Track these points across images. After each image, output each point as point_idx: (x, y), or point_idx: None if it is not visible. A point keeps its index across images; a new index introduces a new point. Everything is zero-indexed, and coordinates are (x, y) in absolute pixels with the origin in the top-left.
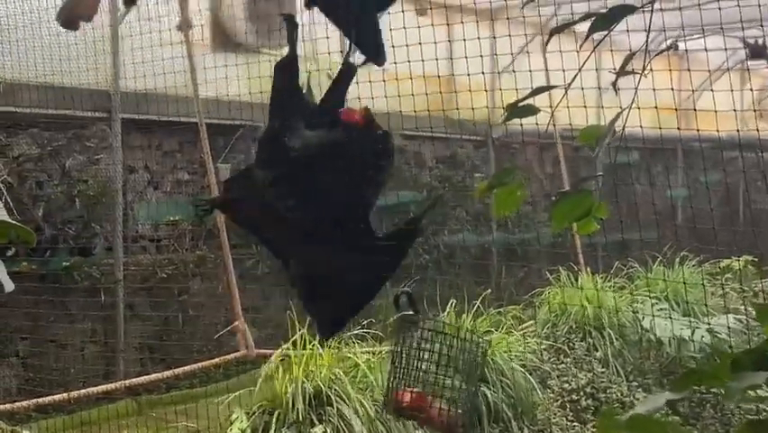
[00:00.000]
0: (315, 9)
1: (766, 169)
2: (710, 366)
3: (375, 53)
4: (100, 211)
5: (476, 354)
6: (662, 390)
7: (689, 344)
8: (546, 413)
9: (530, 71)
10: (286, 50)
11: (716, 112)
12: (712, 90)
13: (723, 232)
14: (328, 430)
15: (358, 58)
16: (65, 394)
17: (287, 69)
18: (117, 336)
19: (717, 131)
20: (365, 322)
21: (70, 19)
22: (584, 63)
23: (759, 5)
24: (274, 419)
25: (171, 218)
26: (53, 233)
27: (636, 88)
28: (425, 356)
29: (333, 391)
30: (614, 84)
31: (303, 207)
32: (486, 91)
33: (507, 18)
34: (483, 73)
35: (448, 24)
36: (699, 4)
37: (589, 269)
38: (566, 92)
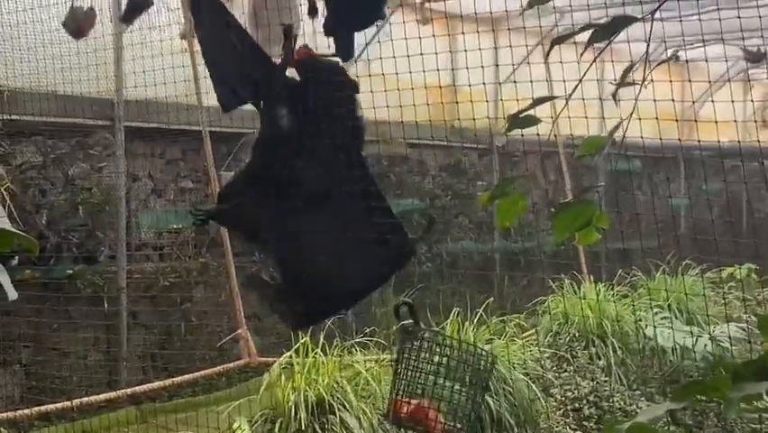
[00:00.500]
0: (319, 18)
1: None
2: (712, 377)
3: (344, 55)
4: (103, 219)
5: (479, 365)
6: (664, 398)
7: (691, 352)
8: (549, 422)
9: (531, 81)
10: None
11: (716, 122)
12: (713, 101)
13: (725, 240)
14: None
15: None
16: (67, 402)
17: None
18: (120, 345)
19: (719, 141)
20: (368, 330)
21: (77, 28)
22: (585, 73)
23: (759, 15)
24: (276, 428)
25: (174, 226)
26: (56, 241)
27: (637, 99)
28: (427, 367)
29: (335, 399)
30: (614, 94)
31: (306, 166)
32: (487, 102)
33: (509, 28)
34: (484, 83)
35: (449, 34)
36: (700, 14)
37: (591, 277)
38: (567, 102)
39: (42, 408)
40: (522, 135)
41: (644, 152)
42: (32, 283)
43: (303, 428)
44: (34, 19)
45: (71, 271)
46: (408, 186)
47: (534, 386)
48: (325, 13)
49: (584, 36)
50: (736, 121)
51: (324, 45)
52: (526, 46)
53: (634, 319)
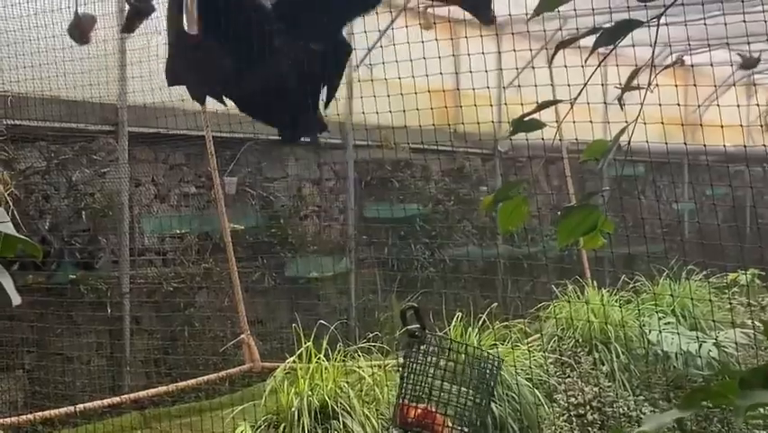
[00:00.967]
0: None
1: None
2: (718, 384)
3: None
4: (106, 224)
5: (486, 370)
6: (668, 404)
7: (696, 358)
8: (552, 427)
9: (535, 86)
10: None
11: (722, 126)
12: (718, 105)
13: (730, 246)
14: None
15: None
16: (71, 407)
17: None
18: (123, 350)
19: (724, 145)
20: (370, 335)
21: (81, 34)
22: (590, 77)
23: (765, 20)
24: None
25: (177, 231)
26: (60, 246)
27: (642, 103)
28: (433, 371)
29: (338, 404)
30: (619, 99)
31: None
32: (491, 106)
33: (512, 33)
34: (488, 87)
35: (452, 39)
36: (705, 18)
37: (595, 282)
38: (572, 106)
39: (46, 413)
40: (526, 140)
41: (649, 157)
42: (36, 288)
43: (306, 432)
44: (38, 24)
45: (74, 277)
46: (412, 191)
47: (537, 391)
48: None
49: (588, 40)
50: (741, 126)
51: None
52: (530, 50)
53: (638, 325)
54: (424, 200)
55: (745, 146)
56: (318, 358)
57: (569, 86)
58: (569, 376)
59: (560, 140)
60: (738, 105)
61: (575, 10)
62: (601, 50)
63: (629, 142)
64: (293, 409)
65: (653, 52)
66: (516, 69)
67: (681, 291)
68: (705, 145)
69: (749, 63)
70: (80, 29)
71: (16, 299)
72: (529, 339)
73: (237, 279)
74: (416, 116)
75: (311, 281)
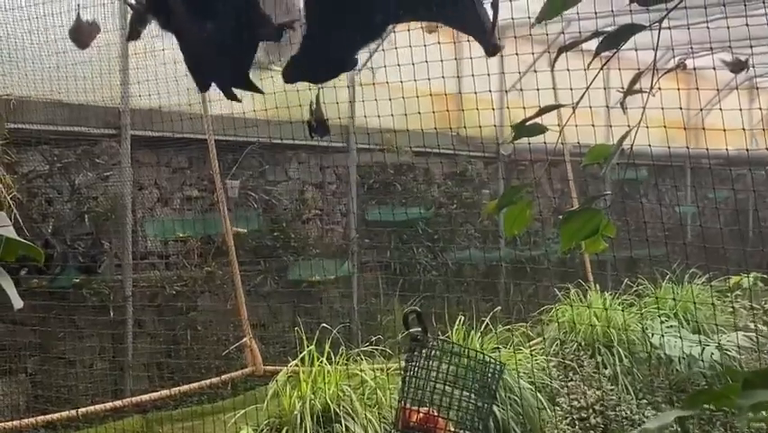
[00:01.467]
0: None
1: None
2: (721, 386)
3: None
4: (109, 228)
5: (488, 373)
6: (671, 407)
7: (698, 361)
8: (555, 431)
9: (537, 90)
10: None
11: (724, 130)
12: (720, 109)
13: (732, 249)
14: None
15: None
16: (73, 411)
17: None
18: (125, 353)
19: (726, 148)
20: (373, 339)
21: (85, 39)
22: (592, 81)
23: (767, 24)
24: None
25: (180, 235)
26: (62, 250)
27: (644, 107)
28: (435, 375)
29: (341, 408)
30: (622, 103)
31: None
32: (493, 109)
33: (515, 36)
34: (490, 91)
35: (455, 42)
36: (708, 22)
37: (598, 286)
38: (574, 111)
39: (48, 416)
40: (528, 143)
41: (652, 161)
42: (38, 292)
43: None
44: (40, 28)
45: (77, 280)
46: (414, 194)
47: (540, 395)
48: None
49: (591, 44)
50: (744, 129)
51: None
52: (533, 54)
53: (640, 328)
54: (426, 204)
55: (747, 149)
56: (320, 362)
57: (570, 89)
58: (571, 380)
59: (562, 144)
60: (741, 109)
61: (578, 13)
62: (604, 53)
63: (632, 146)
64: (295, 412)
65: (656, 56)
66: (519, 72)
67: (683, 295)
68: (707, 149)
69: (736, 67)
70: (81, 33)
71: (18, 303)
72: (532, 343)
73: (239, 282)
74: (418, 120)
75: (313, 285)
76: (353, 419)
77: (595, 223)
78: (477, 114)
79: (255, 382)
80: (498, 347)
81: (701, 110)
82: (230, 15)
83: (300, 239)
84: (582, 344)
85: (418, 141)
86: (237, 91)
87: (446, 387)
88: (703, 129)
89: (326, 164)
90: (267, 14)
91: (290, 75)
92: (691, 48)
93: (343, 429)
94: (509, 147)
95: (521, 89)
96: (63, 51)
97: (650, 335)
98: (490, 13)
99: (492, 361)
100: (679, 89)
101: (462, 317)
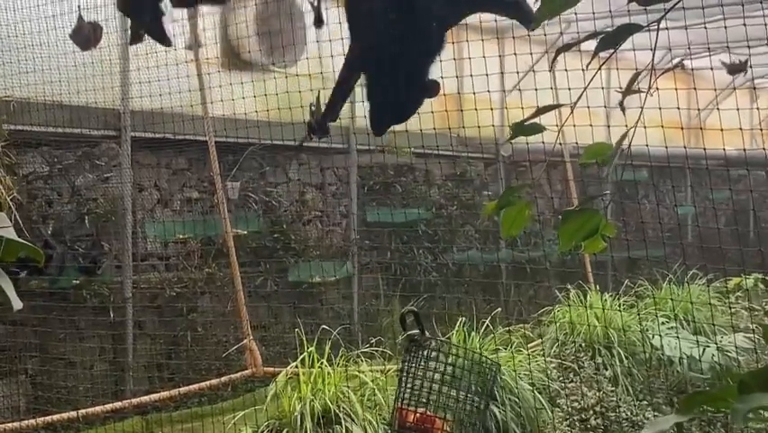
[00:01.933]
0: (325, 28)
1: None
2: (717, 388)
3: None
4: (109, 229)
5: (485, 374)
6: (671, 408)
7: (698, 362)
8: (555, 432)
9: (536, 90)
10: (295, 69)
11: (722, 130)
12: (718, 109)
13: (732, 250)
14: None
15: None
16: (73, 412)
17: None
18: (126, 354)
19: (723, 149)
20: (373, 340)
21: (87, 40)
22: (590, 82)
23: (765, 24)
24: None
25: (180, 236)
26: (63, 251)
27: (642, 107)
28: (432, 376)
29: (341, 409)
30: (620, 103)
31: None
32: (491, 110)
33: (513, 37)
34: (490, 91)
35: (454, 42)
36: (705, 23)
37: (598, 287)
38: (572, 111)
39: (48, 418)
40: (527, 144)
41: (650, 161)
42: (39, 293)
43: None
44: (40, 29)
45: (77, 282)
46: (414, 195)
47: (540, 396)
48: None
49: (591, 45)
50: (741, 129)
51: (328, 55)
52: (531, 54)
53: (640, 329)
54: (426, 205)
55: (744, 150)
56: (321, 363)
57: (569, 90)
58: (571, 381)
59: (560, 144)
60: (738, 109)
61: (576, 14)
62: (603, 53)
63: (629, 146)
64: (295, 414)
65: (653, 56)
66: (518, 73)
67: (683, 296)
68: (705, 149)
69: (734, 69)
70: (83, 35)
71: (17, 304)
72: (532, 344)
73: (240, 284)
74: (417, 120)
75: (313, 286)
76: (353, 420)
77: (594, 223)
78: (476, 114)
79: (255, 384)
80: (499, 348)
81: (699, 111)
82: None
83: (300, 240)
84: (582, 345)
85: (418, 142)
86: None
87: (443, 387)
88: (701, 129)
89: (326, 165)
90: None
91: (380, 128)
92: (689, 48)
93: (343, 431)
94: (509, 148)
95: (520, 90)
96: (64, 53)
97: (650, 336)
98: None
99: (488, 361)
100: (676, 89)
101: (463, 319)
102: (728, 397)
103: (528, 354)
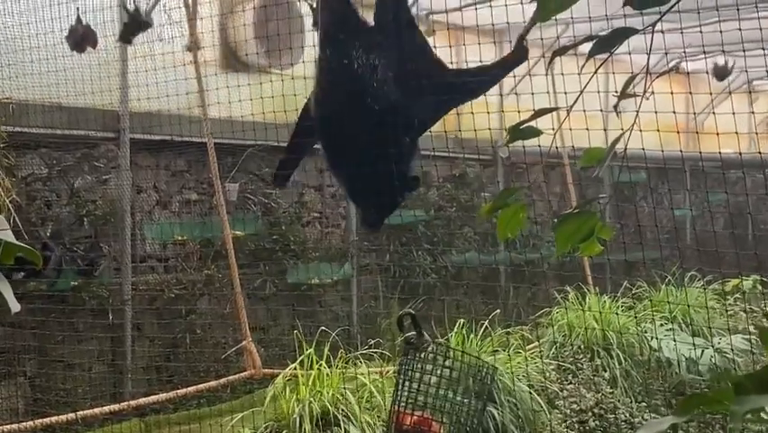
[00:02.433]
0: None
1: None
2: (715, 390)
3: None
4: (108, 231)
5: (482, 377)
6: (669, 410)
7: (696, 364)
8: None
9: (533, 93)
10: (293, 71)
11: (717, 134)
12: (714, 113)
13: (730, 252)
14: None
15: None
16: (72, 414)
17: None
18: (124, 356)
19: (719, 152)
20: (372, 342)
21: (78, 42)
22: (586, 85)
23: (760, 27)
24: None
25: (179, 238)
26: (61, 253)
27: (638, 111)
28: (429, 378)
29: (339, 411)
30: (615, 106)
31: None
32: (488, 113)
33: (510, 41)
34: (486, 95)
35: (452, 46)
36: (701, 26)
37: (596, 289)
38: (568, 114)
39: (47, 420)
40: (523, 147)
41: (648, 164)
42: (37, 295)
43: None
44: (39, 32)
45: (76, 283)
46: (413, 197)
47: (538, 398)
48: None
49: (587, 47)
50: (737, 132)
51: None
52: (528, 58)
53: (638, 331)
54: (425, 207)
55: (740, 153)
56: (320, 365)
57: (565, 93)
58: (570, 383)
59: (557, 147)
60: (734, 113)
61: (572, 17)
62: (599, 56)
63: (625, 149)
64: (294, 415)
65: (649, 59)
66: (515, 76)
67: (681, 298)
68: (701, 152)
69: (721, 73)
70: (75, 36)
71: (15, 307)
72: (530, 346)
73: (239, 285)
74: None
75: (312, 288)
76: (352, 422)
77: (590, 226)
78: (473, 117)
79: (254, 386)
80: (497, 350)
81: (695, 114)
82: None
83: (299, 242)
84: (581, 347)
85: None
86: None
87: (440, 390)
88: (696, 133)
89: (326, 167)
90: None
91: (374, 227)
92: (685, 52)
93: (342, 432)
94: (506, 150)
95: (517, 93)
96: (63, 55)
97: (648, 338)
98: None
99: (485, 364)
100: (672, 93)
101: (461, 320)
102: (725, 399)
103: (527, 356)
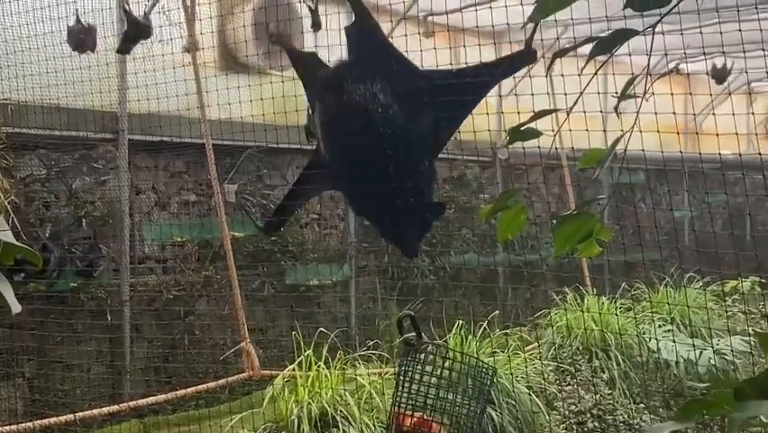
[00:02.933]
0: (320, 33)
1: None
2: (714, 394)
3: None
4: (107, 232)
5: (481, 378)
6: (668, 411)
7: (695, 366)
8: None
9: (532, 95)
10: (292, 72)
11: (717, 135)
12: (714, 114)
13: (729, 253)
14: None
15: None
16: (71, 415)
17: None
18: (123, 357)
19: (719, 153)
20: (371, 343)
21: (80, 43)
22: (586, 86)
23: (760, 29)
24: None
25: (178, 239)
26: (60, 254)
27: (638, 112)
28: (429, 379)
29: (338, 412)
30: (616, 108)
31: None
32: (487, 114)
33: (510, 41)
34: (486, 96)
35: (451, 47)
36: (701, 27)
37: (595, 290)
38: (568, 116)
39: (45, 421)
40: (522, 148)
41: (647, 165)
42: (36, 296)
43: None
44: (38, 33)
45: (74, 284)
46: None
47: (537, 399)
48: None
49: (586, 49)
50: (736, 133)
51: (325, 57)
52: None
53: (637, 332)
54: None
55: (740, 155)
56: (318, 366)
57: (565, 94)
58: (568, 384)
59: (556, 149)
60: (734, 114)
61: (572, 19)
62: (599, 58)
63: (625, 150)
64: (293, 417)
65: (649, 60)
66: (515, 77)
67: (680, 299)
68: (701, 153)
69: (719, 75)
70: (75, 37)
71: (16, 308)
72: (529, 347)
73: (237, 286)
74: None
75: (311, 289)
76: (351, 423)
77: (589, 227)
78: (473, 118)
79: (253, 387)
80: (496, 352)
81: (696, 115)
82: None
83: (298, 243)
84: (579, 348)
85: None
86: None
87: (440, 391)
88: (696, 134)
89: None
90: None
91: (412, 251)
92: (685, 53)
93: None
94: (506, 151)
95: (516, 94)
96: (61, 56)
97: (647, 339)
98: None
99: (484, 365)
100: (672, 94)
101: (460, 322)
102: (725, 404)
103: (525, 357)
